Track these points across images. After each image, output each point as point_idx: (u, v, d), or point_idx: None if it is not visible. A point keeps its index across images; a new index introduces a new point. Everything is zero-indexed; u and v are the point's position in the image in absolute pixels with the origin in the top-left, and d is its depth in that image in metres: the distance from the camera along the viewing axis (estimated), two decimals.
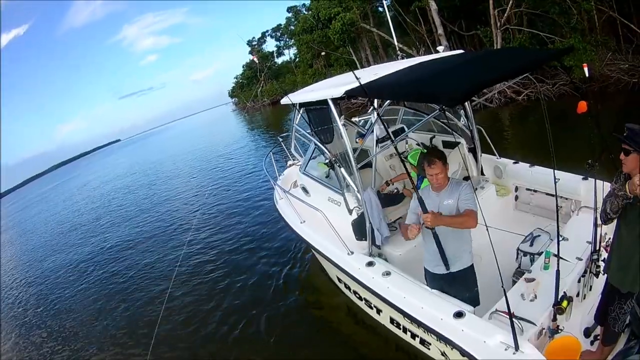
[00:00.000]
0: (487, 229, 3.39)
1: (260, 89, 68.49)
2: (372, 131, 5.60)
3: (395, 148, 4.01)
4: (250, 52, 70.42)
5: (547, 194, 5.66)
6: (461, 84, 3.46)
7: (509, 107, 15.85)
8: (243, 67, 74.75)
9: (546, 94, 15.05)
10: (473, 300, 4.27)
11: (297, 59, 56.56)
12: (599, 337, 3.97)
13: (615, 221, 3.35)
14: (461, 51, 6.27)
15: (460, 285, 4.26)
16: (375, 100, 5.08)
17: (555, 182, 3.90)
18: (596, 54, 13.68)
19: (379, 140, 5.49)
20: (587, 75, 3.83)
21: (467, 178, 6.27)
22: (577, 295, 4.18)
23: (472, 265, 4.29)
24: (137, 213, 19.10)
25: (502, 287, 3.28)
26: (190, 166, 30.17)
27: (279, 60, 71.53)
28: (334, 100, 4.94)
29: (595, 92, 13.51)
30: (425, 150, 5.89)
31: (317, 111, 5.62)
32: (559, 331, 3.69)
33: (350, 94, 4.65)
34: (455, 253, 4.13)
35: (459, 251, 4.14)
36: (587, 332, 4.10)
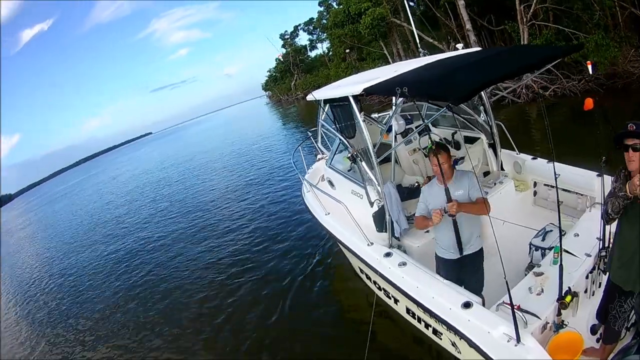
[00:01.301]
0: (503, 223, 3.56)
1: (293, 82, 68.69)
2: (391, 126, 5.71)
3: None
4: (283, 46, 70.62)
5: (564, 189, 5.68)
6: (466, 83, 3.63)
7: (537, 102, 15.74)
8: (276, 60, 74.99)
9: (572, 89, 14.99)
10: (480, 281, 4.59)
11: (330, 53, 56.52)
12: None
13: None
14: (478, 49, 6.37)
15: (470, 267, 4.55)
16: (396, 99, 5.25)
17: (555, 177, 4.07)
18: (619, 51, 13.46)
19: (398, 135, 5.63)
20: (590, 72, 3.89)
21: (487, 173, 6.43)
22: (585, 291, 4.21)
23: (481, 249, 4.57)
24: (172, 204, 19.73)
25: (505, 279, 3.36)
26: (224, 159, 30.49)
27: (312, 54, 71.57)
28: (354, 97, 5.13)
29: (618, 89, 13.36)
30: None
31: (340, 107, 5.83)
32: (564, 326, 3.72)
33: (368, 92, 4.81)
34: (469, 238, 4.40)
35: (472, 236, 4.42)
36: (593, 330, 4.07)
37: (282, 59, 69.58)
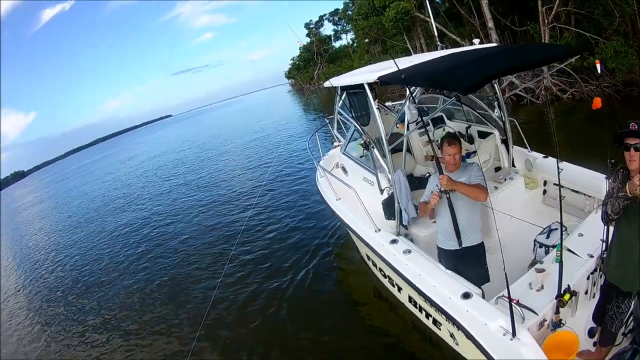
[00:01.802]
0: (510, 219, 3.59)
1: (316, 71, 68.41)
2: (404, 114, 5.74)
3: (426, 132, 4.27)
4: (308, 35, 70.59)
5: (573, 190, 5.68)
6: (475, 75, 3.70)
7: (554, 105, 15.66)
8: (300, 49, 74.98)
9: (589, 94, 14.89)
10: (483, 277, 4.56)
11: (355, 44, 56.38)
12: None
13: None
14: (494, 44, 6.41)
15: (471, 260, 4.56)
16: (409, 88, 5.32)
17: (558, 172, 4.15)
18: (637, 59, 13.34)
19: (411, 124, 5.68)
20: (599, 71, 3.89)
21: (498, 169, 6.48)
22: (586, 293, 4.21)
23: (482, 243, 4.60)
24: (193, 187, 19.78)
25: (504, 271, 3.37)
26: (243, 143, 30.82)
27: (337, 45, 71.46)
28: (369, 84, 5.24)
29: (635, 97, 13.30)
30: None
31: (355, 95, 5.94)
32: (561, 325, 3.72)
33: (383, 80, 4.91)
34: (467, 225, 4.42)
35: (469, 224, 4.44)
36: (591, 333, 4.05)
37: (302, 46, 69.41)
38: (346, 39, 67.04)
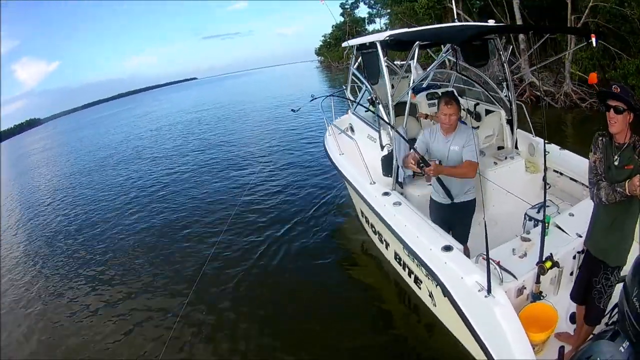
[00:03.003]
0: (506, 193, 3.66)
1: (346, 51, 67.25)
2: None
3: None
4: (342, 14, 70.05)
5: (572, 178, 5.73)
6: (472, 30, 4.06)
7: (573, 112, 15.74)
8: (332, 27, 74.42)
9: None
10: (465, 232, 4.78)
11: (387, 29, 55.91)
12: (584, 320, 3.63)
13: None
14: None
15: (459, 214, 4.72)
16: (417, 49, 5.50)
17: (545, 154, 4.26)
18: None
19: (421, 90, 5.86)
20: (594, 44, 3.98)
21: (501, 147, 6.62)
22: (571, 274, 4.17)
23: (474, 200, 4.70)
24: (207, 147, 19.85)
25: (485, 227, 3.36)
26: (265, 108, 31.17)
27: (370, 28, 70.91)
28: (381, 43, 5.48)
29: None
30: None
31: (368, 55, 6.20)
32: (541, 298, 3.68)
33: (393, 38, 5.19)
34: (459, 192, 4.57)
35: (462, 190, 4.58)
36: (572, 318, 3.96)
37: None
38: (380, 22, 66.44)
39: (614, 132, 3.00)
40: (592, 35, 3.90)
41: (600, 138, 3.14)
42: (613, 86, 2.91)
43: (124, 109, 78.53)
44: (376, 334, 5.36)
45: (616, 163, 3.00)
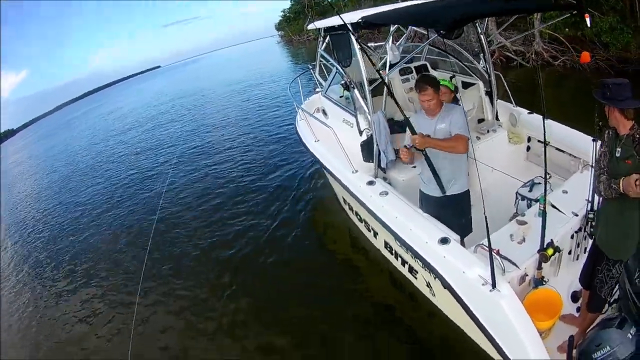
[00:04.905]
0: (492, 170, 3.49)
1: (306, 24, 66.88)
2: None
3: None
4: None
5: (557, 149, 5.53)
6: (456, 14, 3.67)
7: (545, 70, 15.59)
8: (291, 1, 73.67)
9: (582, 65, 14.54)
10: (465, 227, 4.45)
11: None
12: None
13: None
14: None
15: (453, 209, 4.41)
16: (392, 27, 5.20)
17: (544, 131, 3.97)
18: (633, 37, 13.26)
19: (392, 66, 5.55)
20: (588, 25, 3.79)
21: (481, 120, 6.41)
22: (570, 253, 4.11)
23: (467, 191, 4.42)
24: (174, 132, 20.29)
25: (485, 215, 3.21)
26: (227, 93, 30.50)
27: None
28: (353, 25, 5.00)
29: (629, 74, 12.85)
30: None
31: (338, 36, 5.79)
32: (544, 283, 3.60)
33: (366, 20, 4.84)
34: (450, 178, 4.26)
35: (453, 175, 4.26)
36: (574, 297, 3.93)
37: None
38: None
39: (612, 126, 3.03)
40: (586, 15, 3.66)
41: (607, 131, 3.11)
42: (605, 92, 2.95)
43: (93, 107, 76.87)
44: (372, 324, 5.23)
45: (618, 154, 2.96)
